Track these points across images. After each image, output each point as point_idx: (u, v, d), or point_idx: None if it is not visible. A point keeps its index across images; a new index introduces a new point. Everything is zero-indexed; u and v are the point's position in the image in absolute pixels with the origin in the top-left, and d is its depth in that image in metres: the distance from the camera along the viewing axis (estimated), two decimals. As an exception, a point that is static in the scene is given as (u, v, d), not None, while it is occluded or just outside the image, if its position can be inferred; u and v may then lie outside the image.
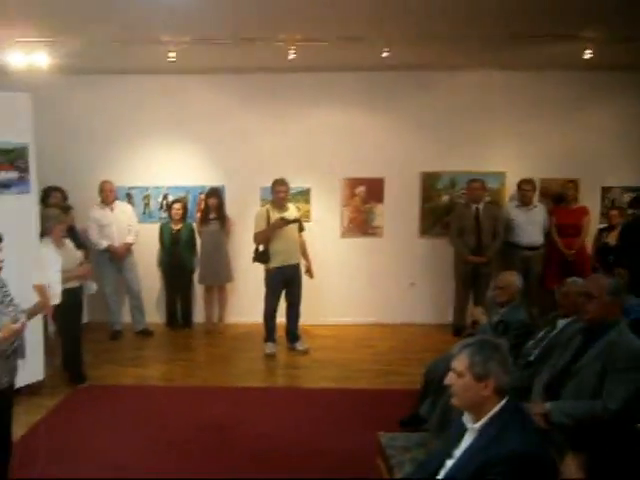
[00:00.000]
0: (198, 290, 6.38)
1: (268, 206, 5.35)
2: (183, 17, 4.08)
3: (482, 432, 1.90)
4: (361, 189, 6.35)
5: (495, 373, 1.87)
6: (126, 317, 6.17)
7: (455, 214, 6.05)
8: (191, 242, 6.16)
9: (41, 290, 2.79)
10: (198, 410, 4.16)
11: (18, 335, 2.61)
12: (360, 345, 5.73)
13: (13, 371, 2.73)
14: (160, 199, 6.39)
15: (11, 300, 2.74)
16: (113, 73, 6.11)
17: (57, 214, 4.48)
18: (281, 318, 5.53)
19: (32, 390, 4.23)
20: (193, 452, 3.53)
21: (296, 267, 5.36)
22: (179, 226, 6.09)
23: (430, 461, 2.20)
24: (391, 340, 5.91)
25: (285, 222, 5.15)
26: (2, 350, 2.57)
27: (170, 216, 6.13)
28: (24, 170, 4.16)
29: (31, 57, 4.90)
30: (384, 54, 4.76)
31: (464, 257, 5.81)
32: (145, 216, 6.37)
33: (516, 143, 6.28)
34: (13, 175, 4.10)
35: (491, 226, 5.81)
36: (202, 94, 6.23)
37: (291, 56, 4.68)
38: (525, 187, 5.94)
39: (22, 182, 4.16)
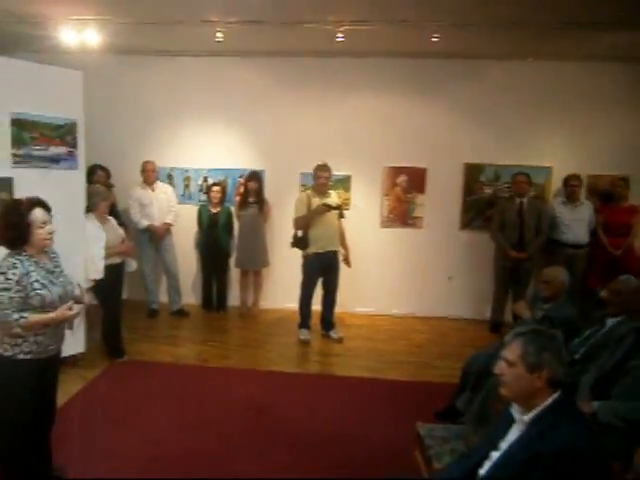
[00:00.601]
0: (234, 274, 6.43)
1: (309, 191, 5.33)
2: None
3: (532, 425, 1.86)
4: (403, 178, 6.28)
5: (549, 364, 1.82)
6: (163, 297, 6.29)
7: (498, 208, 5.93)
8: (228, 225, 6.20)
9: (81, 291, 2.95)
10: (231, 391, 4.22)
11: (69, 320, 2.67)
12: (395, 336, 5.70)
13: (60, 340, 2.80)
14: (200, 181, 6.46)
15: (61, 271, 2.81)
16: (159, 54, 6.19)
17: (102, 191, 4.58)
18: (316, 305, 5.54)
19: (73, 361, 4.36)
20: (226, 431, 3.58)
21: (334, 254, 5.35)
22: (217, 209, 6.14)
23: (473, 452, 2.17)
24: (426, 333, 5.86)
25: (327, 208, 5.12)
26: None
27: (209, 199, 6.19)
28: (73, 146, 4.26)
29: (82, 35, 5.00)
30: (434, 39, 4.67)
31: (505, 252, 5.69)
32: (185, 197, 6.45)
33: (564, 137, 6.11)
34: (62, 150, 4.20)
35: (535, 221, 5.66)
36: (246, 77, 6.25)
37: (339, 39, 4.63)
38: (572, 183, 5.76)
39: (71, 158, 4.26)
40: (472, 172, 6.21)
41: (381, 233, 6.38)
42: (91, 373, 4.39)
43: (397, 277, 6.39)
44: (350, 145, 6.21)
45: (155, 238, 5.93)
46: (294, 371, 4.75)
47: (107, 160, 5.78)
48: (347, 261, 5.48)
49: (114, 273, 4.57)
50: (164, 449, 3.33)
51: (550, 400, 1.84)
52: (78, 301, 2.86)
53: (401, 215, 6.36)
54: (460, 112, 6.15)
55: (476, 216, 6.25)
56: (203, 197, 6.39)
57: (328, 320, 5.53)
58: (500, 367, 1.92)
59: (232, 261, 6.31)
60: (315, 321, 5.54)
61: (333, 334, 5.49)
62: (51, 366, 2.78)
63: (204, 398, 4.07)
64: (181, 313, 6.13)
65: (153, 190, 5.92)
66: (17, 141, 3.93)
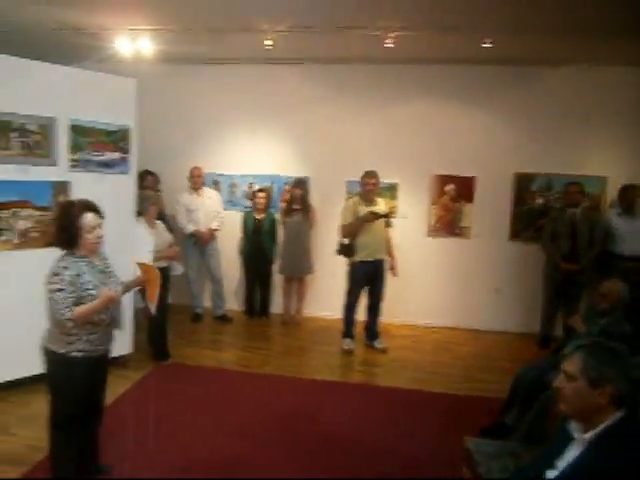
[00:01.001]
0: (277, 280, 6.46)
1: (356, 198, 5.30)
2: (281, 3, 4.14)
3: (593, 444, 1.76)
4: (451, 187, 6.18)
5: (613, 380, 1.72)
6: (206, 302, 6.37)
7: (550, 218, 5.74)
8: (273, 232, 6.24)
9: (146, 268, 2.99)
10: (272, 398, 4.22)
11: (112, 303, 2.72)
12: (439, 348, 5.60)
13: (110, 340, 2.87)
14: (245, 187, 6.54)
15: (112, 272, 2.88)
16: (208, 63, 6.32)
17: (152, 195, 4.70)
18: (360, 315, 5.49)
19: (120, 362, 4.44)
20: (266, 439, 3.58)
21: (381, 263, 5.30)
22: (262, 215, 6.19)
23: (527, 470, 2.09)
24: (472, 346, 5.73)
25: (376, 216, 5.08)
26: (102, 319, 2.72)
27: (254, 205, 6.24)
28: (125, 151, 4.40)
29: (136, 45, 5.16)
30: (485, 44, 4.59)
31: (556, 263, 5.50)
32: (230, 204, 6.53)
33: (620, 146, 5.88)
34: (115, 155, 4.34)
35: (588, 233, 5.45)
36: (293, 84, 6.31)
37: (388, 45, 4.61)
38: (630, 194, 5.53)
39: (123, 163, 4.39)
40: (523, 181, 6.05)
41: (427, 242, 6.29)
42: (137, 374, 4.48)
43: (443, 288, 6.29)
44: (397, 152, 6.16)
45: (200, 243, 6.01)
46: (336, 380, 4.71)
47: (156, 166, 5.94)
48: (393, 270, 5.42)
49: (161, 276, 4.63)
50: (204, 453, 3.35)
51: (614, 419, 1.74)
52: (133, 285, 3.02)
53: (448, 224, 6.25)
54: (510, 120, 6.03)
55: (526, 227, 6.09)
56: (248, 203, 6.46)
57: (372, 330, 5.47)
58: (559, 380, 1.84)
59: (275, 268, 6.34)
60: (359, 330, 5.49)
61: (377, 344, 5.43)
62: (101, 365, 2.86)
63: (245, 404, 4.09)
64: (224, 318, 6.20)
65: (200, 196, 6.01)
66: (75, 146, 4.10)
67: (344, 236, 5.26)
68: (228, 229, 6.30)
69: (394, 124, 6.17)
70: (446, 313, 6.26)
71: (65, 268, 2.61)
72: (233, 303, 6.59)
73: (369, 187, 5.19)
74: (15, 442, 3.39)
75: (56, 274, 2.59)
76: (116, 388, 4.05)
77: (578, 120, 5.87)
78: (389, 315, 5.83)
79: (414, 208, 6.25)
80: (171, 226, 5.53)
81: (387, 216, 5.24)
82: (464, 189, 6.16)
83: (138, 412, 3.74)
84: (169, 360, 4.84)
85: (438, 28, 4.44)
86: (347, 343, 5.38)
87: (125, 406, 3.83)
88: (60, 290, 2.56)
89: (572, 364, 1.79)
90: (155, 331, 4.83)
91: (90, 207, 2.71)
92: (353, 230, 5.15)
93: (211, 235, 6.05)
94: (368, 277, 5.28)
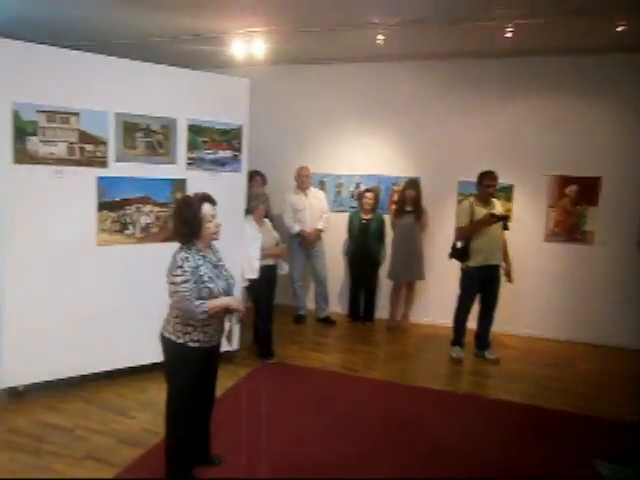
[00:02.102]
0: (383, 284, 6.42)
1: (472, 199, 5.13)
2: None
3: None
4: (572, 188, 5.81)
5: None
6: (310, 303, 6.47)
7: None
8: (380, 234, 6.21)
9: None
10: (377, 403, 4.20)
11: (238, 309, 2.84)
12: (556, 363, 5.27)
13: (222, 333, 2.99)
14: (352, 188, 6.58)
15: (224, 265, 3.01)
16: (316, 63, 6.47)
17: (261, 194, 4.88)
18: (471, 323, 5.32)
19: (227, 358, 4.62)
20: (373, 444, 3.55)
21: (496, 268, 5.10)
22: (369, 216, 6.18)
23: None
24: (593, 362, 5.35)
25: (495, 219, 4.90)
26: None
27: (361, 205, 6.26)
28: (238, 150, 4.61)
29: (248, 47, 5.39)
30: (619, 28, 4.26)
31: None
32: (336, 204, 6.61)
33: None
34: (228, 154, 4.56)
35: None
36: (403, 82, 6.27)
37: (507, 35, 4.44)
38: None
39: (235, 161, 4.60)
40: (658, 182, 5.55)
41: (545, 248, 5.97)
42: (243, 371, 4.65)
43: (562, 297, 5.92)
44: (513, 152, 5.92)
45: (306, 243, 6.13)
46: (444, 389, 4.59)
47: (263, 166, 6.13)
48: (509, 276, 5.19)
49: (267, 274, 4.79)
50: (306, 452, 3.39)
51: None
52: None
53: (568, 229, 5.88)
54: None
55: (663, 232, 5.57)
56: (354, 204, 6.49)
57: (484, 339, 5.27)
58: None
59: (382, 271, 6.31)
60: (469, 339, 5.31)
61: (488, 354, 5.22)
62: (213, 356, 3.00)
63: (351, 407, 4.10)
64: (328, 321, 6.26)
65: (306, 196, 6.13)
66: (192, 145, 4.37)
67: (459, 239, 5.11)
68: (334, 230, 6.37)
69: (510, 121, 5.94)
70: (564, 325, 5.90)
71: (185, 260, 2.76)
72: (336, 306, 6.65)
73: (489, 189, 5.01)
74: (134, 425, 3.65)
75: (179, 266, 2.74)
76: (224, 382, 4.22)
77: None
78: (501, 324, 5.58)
79: (530, 211, 5.96)
80: (277, 225, 5.68)
81: (507, 219, 5.02)
82: (587, 191, 5.77)
83: (245, 407, 3.87)
84: (274, 359, 4.97)
85: (560, 14, 4.20)
86: (456, 351, 5.22)
87: (232, 400, 3.99)
88: (186, 281, 2.71)
89: None
90: (261, 329, 4.98)
91: (206, 198, 2.88)
92: (470, 233, 4.99)
93: (317, 235, 6.14)
94: (482, 283, 5.10)
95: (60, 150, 3.82)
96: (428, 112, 6.19)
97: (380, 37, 4.72)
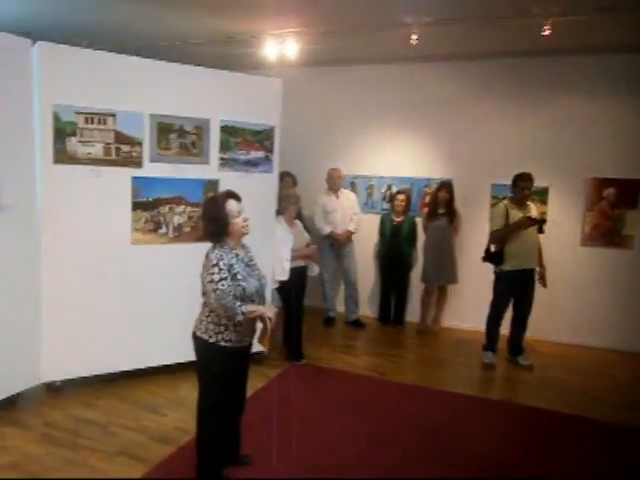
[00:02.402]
0: (414, 287, 6.38)
1: (506, 202, 5.05)
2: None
3: None
4: (610, 191, 5.69)
5: None
6: (339, 306, 6.47)
7: None
8: (411, 236, 6.18)
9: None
10: (407, 407, 4.17)
11: (269, 320, 2.84)
12: (594, 371, 5.16)
13: (253, 333, 3.01)
14: (384, 189, 6.57)
15: (255, 265, 3.03)
16: (347, 64, 6.49)
17: (292, 195, 4.89)
18: (503, 328, 5.24)
19: (257, 359, 4.65)
20: (404, 449, 3.53)
21: (531, 273, 5.02)
22: (400, 218, 6.16)
23: None
24: (630, 370, 5.23)
25: (532, 222, 4.83)
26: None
27: (392, 207, 6.24)
28: (270, 151, 4.65)
29: (279, 48, 5.43)
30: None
31: None
32: (367, 206, 6.61)
33: None
34: (260, 155, 4.60)
35: None
36: (435, 83, 6.24)
37: (545, 33, 4.38)
38: None
39: (267, 162, 4.64)
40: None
41: (581, 252, 5.85)
42: (272, 372, 4.68)
43: (598, 303, 5.78)
44: (548, 153, 5.82)
45: (336, 245, 6.14)
46: (475, 394, 4.53)
47: (293, 167, 6.16)
48: (543, 281, 5.09)
49: (298, 276, 4.81)
50: (336, 455, 3.39)
51: None
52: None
53: (606, 233, 5.75)
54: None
55: None
56: (386, 206, 6.48)
57: (517, 345, 5.20)
58: None
59: (413, 274, 6.28)
60: (501, 345, 5.24)
61: (522, 360, 5.14)
62: (244, 356, 3.03)
63: (378, 410, 4.09)
64: (357, 324, 6.25)
65: (337, 197, 6.14)
66: (224, 146, 4.42)
67: (494, 242, 5.04)
68: (364, 232, 6.37)
69: (545, 122, 5.84)
70: (601, 332, 5.76)
71: (220, 258, 2.78)
72: (366, 309, 6.64)
73: (525, 192, 4.93)
74: (166, 423, 3.71)
75: (215, 265, 2.76)
76: (254, 383, 4.24)
77: None
78: (535, 330, 5.48)
79: (566, 214, 5.85)
80: (308, 226, 5.70)
81: (544, 222, 4.93)
82: (626, 193, 5.64)
83: (276, 408, 3.90)
84: (303, 361, 4.98)
85: (598, 10, 4.10)
86: (488, 357, 5.16)
87: (262, 401, 4.02)
88: (224, 279, 2.74)
89: None
90: (291, 330, 5.00)
91: (230, 194, 2.93)
92: (505, 236, 4.92)
93: (348, 237, 6.14)
94: (516, 288, 5.02)
95: (97, 150, 3.92)
96: (461, 113, 6.15)
97: (414, 37, 4.70)
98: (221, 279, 2.73)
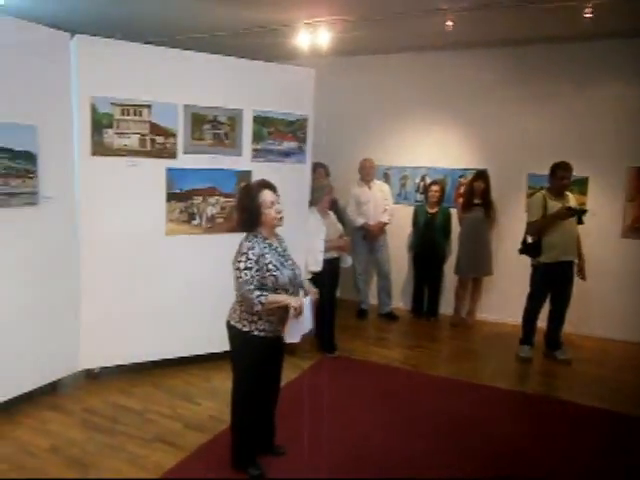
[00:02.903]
0: (447, 279, 6.33)
1: (544, 192, 4.95)
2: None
3: None
4: (653, 181, 5.53)
5: None
6: (372, 297, 6.46)
7: None
8: (446, 228, 6.13)
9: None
10: (445, 401, 4.14)
11: (298, 310, 2.83)
12: (632, 366, 5.05)
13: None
14: (417, 180, 6.52)
15: (289, 255, 3.04)
16: (379, 53, 6.45)
17: (326, 185, 4.89)
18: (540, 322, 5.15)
19: (290, 350, 4.67)
20: (436, 441, 3.51)
21: (570, 265, 4.92)
22: (435, 209, 6.11)
23: None
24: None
25: (572, 212, 4.74)
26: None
27: (426, 198, 6.20)
28: (302, 141, 4.67)
29: (312, 37, 5.42)
30: None
31: None
32: (400, 197, 6.58)
33: None
34: (293, 145, 4.62)
35: None
36: (469, 71, 6.15)
37: (587, 15, 4.26)
38: None
39: (300, 152, 4.67)
40: None
41: (622, 244, 5.70)
42: (305, 363, 4.71)
43: (639, 297, 5.63)
44: (587, 143, 5.67)
45: (370, 237, 6.11)
46: (511, 388, 4.47)
47: (325, 158, 6.13)
48: (582, 273, 4.99)
49: (331, 267, 4.81)
50: (371, 448, 3.39)
51: None
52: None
53: (649, 225, 5.60)
54: None
55: None
56: (419, 197, 6.43)
57: (554, 339, 5.11)
58: None
59: (447, 266, 6.23)
60: (538, 339, 5.16)
61: (559, 354, 5.05)
62: (278, 346, 3.04)
63: (413, 403, 4.07)
64: (390, 316, 6.24)
65: (370, 188, 6.11)
66: (257, 137, 4.46)
67: (532, 234, 4.95)
68: (398, 224, 6.33)
69: (584, 110, 5.70)
70: (641, 326, 5.63)
71: (250, 248, 2.80)
72: (399, 301, 6.61)
73: (564, 181, 4.81)
74: (200, 411, 3.77)
75: (244, 253, 2.79)
76: (287, 374, 4.20)
77: None
78: (573, 324, 5.38)
79: (606, 205, 5.71)
80: (342, 217, 5.68)
81: (584, 212, 4.83)
82: (671, 183, 5.47)
83: (308, 399, 3.92)
84: (336, 353, 5.00)
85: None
86: (525, 350, 5.08)
87: (295, 392, 4.04)
88: (248, 269, 2.76)
89: None
90: (323, 322, 5.00)
91: (266, 184, 2.93)
92: (544, 227, 4.82)
93: (381, 229, 6.12)
94: (554, 280, 4.93)
95: (133, 142, 3.99)
96: (496, 101, 6.04)
97: (449, 23, 4.63)
98: (246, 268, 2.75)
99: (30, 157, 3.51)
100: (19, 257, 3.56)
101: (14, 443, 3.27)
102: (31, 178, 3.54)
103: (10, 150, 3.39)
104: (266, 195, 2.87)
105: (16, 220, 3.50)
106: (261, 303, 2.73)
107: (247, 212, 2.87)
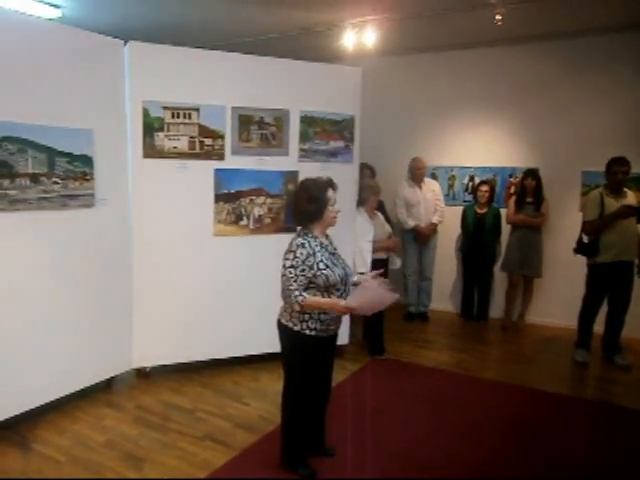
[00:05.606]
0: (498, 282, 6.24)
1: (601, 190, 4.84)
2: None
3: None
4: None
5: None
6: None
7: None
8: (496, 228, 6.05)
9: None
10: (496, 405, 4.10)
11: (340, 313, 2.89)
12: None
13: (339, 322, 3.05)
14: (466, 180, 6.46)
15: (339, 255, 3.08)
16: (427, 51, 6.45)
17: (373, 185, 4.91)
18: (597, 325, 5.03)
19: (338, 352, 4.70)
20: (490, 447, 3.47)
21: (628, 265, 4.78)
22: (484, 210, 6.05)
23: None
24: None
25: (632, 211, 4.62)
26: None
27: (475, 198, 6.14)
28: (350, 140, 4.71)
29: (358, 37, 5.47)
30: None
31: None
32: (448, 197, 6.52)
33: None
34: (340, 145, 4.67)
35: None
36: (518, 67, 6.07)
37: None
38: None
39: (347, 152, 4.71)
40: None
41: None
42: (354, 365, 4.73)
43: None
44: (647, 137, 5.50)
45: (421, 239, 6.07)
46: (566, 394, 4.38)
47: (371, 158, 6.15)
48: (642, 273, 4.85)
49: (379, 268, 4.79)
50: (422, 452, 3.38)
51: None
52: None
53: None
54: None
55: None
56: (468, 197, 6.37)
57: (613, 343, 4.97)
58: None
59: (497, 268, 6.15)
60: (595, 343, 5.03)
61: (619, 359, 4.92)
62: (330, 345, 3.08)
63: (464, 407, 4.04)
64: (423, 316, 6.24)
65: (421, 189, 6.05)
66: (303, 137, 4.53)
67: (589, 233, 4.83)
68: (446, 224, 6.28)
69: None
70: None
71: (301, 246, 2.83)
72: (447, 304, 6.57)
73: (618, 176, 4.69)
74: (248, 411, 3.85)
75: (292, 251, 2.83)
76: (335, 376, 4.20)
77: None
78: (633, 328, 5.21)
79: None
80: (389, 218, 5.67)
81: None
82: None
83: (358, 401, 3.96)
84: (384, 355, 5.01)
85: None
86: (581, 354, 4.97)
87: (344, 394, 4.07)
88: (293, 267, 2.79)
89: None
90: (371, 324, 5.02)
91: (331, 183, 2.96)
92: (602, 226, 4.71)
93: (432, 230, 6.08)
94: (612, 281, 4.80)
95: (182, 144, 4.12)
96: (547, 97, 5.94)
97: (498, 17, 4.59)
98: (291, 266, 2.79)
99: (87, 160, 3.69)
100: (76, 258, 3.72)
101: (72, 436, 3.43)
102: (88, 180, 3.71)
103: (69, 154, 3.57)
104: (331, 193, 2.93)
105: (73, 221, 3.67)
106: (299, 303, 2.76)
107: (313, 203, 2.88)
